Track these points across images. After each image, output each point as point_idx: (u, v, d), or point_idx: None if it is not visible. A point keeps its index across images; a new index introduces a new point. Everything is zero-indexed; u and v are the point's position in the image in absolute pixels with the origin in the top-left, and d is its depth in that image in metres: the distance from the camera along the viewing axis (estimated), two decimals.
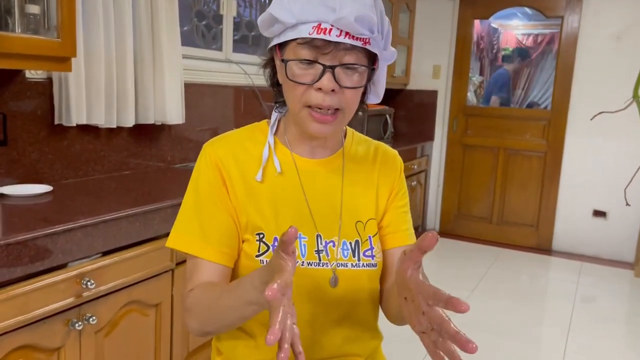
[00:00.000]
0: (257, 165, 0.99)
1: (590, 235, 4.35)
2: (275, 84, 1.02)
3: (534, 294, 3.62)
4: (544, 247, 4.53)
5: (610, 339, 2.93)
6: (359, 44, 0.87)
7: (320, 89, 0.88)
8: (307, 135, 0.99)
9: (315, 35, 0.86)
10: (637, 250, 4.03)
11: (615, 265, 4.19)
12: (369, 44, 0.89)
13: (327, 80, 0.87)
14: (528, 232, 4.59)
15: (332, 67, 0.87)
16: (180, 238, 0.97)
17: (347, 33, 0.86)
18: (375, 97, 1.05)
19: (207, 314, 0.90)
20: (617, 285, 3.81)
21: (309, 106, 0.91)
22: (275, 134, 1.03)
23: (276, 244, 0.95)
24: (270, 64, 1.02)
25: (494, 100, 5.26)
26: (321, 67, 0.87)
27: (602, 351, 2.78)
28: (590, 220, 4.33)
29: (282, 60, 0.92)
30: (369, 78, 0.96)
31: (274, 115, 1.05)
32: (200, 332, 0.94)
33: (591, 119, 1.39)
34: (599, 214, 4.30)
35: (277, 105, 1.05)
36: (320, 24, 0.86)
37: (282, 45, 0.93)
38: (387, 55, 0.97)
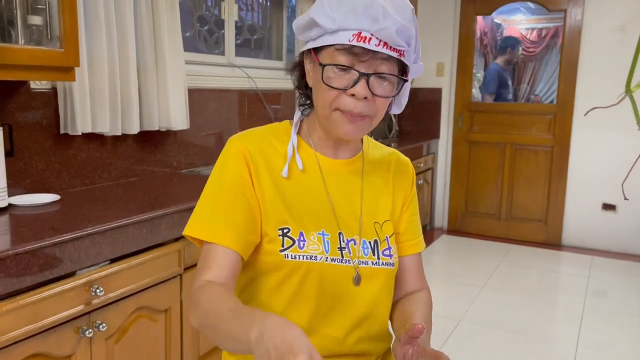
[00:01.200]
0: (283, 162, 1.01)
1: (600, 228, 4.32)
2: (302, 86, 1.05)
3: (544, 290, 3.60)
4: (553, 242, 4.50)
5: (622, 333, 2.90)
6: (395, 54, 0.91)
7: (353, 95, 0.91)
8: (333, 138, 1.02)
9: (355, 43, 0.89)
10: None
11: (626, 258, 4.16)
12: (404, 56, 0.93)
13: (361, 88, 0.90)
14: (537, 227, 4.56)
15: (368, 75, 0.90)
16: (202, 227, 0.95)
17: (385, 43, 0.89)
18: (397, 108, 1.09)
19: (207, 322, 0.86)
20: (629, 278, 3.78)
21: (339, 109, 0.93)
22: (299, 134, 1.05)
23: (302, 238, 0.95)
24: (298, 67, 1.04)
25: (488, 98, 5.20)
26: (357, 74, 0.90)
27: (615, 345, 2.76)
28: (600, 213, 4.31)
29: (320, 64, 0.93)
30: (399, 89, 0.98)
31: (297, 114, 1.07)
32: (199, 330, 0.95)
33: (585, 115, 1.38)
34: (608, 207, 4.27)
35: (302, 108, 1.07)
36: (360, 32, 0.89)
37: (317, 50, 0.95)
38: (416, 68, 1.00)
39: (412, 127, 4.88)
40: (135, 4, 2.23)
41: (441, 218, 4.95)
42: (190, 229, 0.96)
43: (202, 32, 2.99)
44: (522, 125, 4.55)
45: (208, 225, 0.95)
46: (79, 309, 1.49)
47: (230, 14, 3.07)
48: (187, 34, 2.87)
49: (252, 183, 0.98)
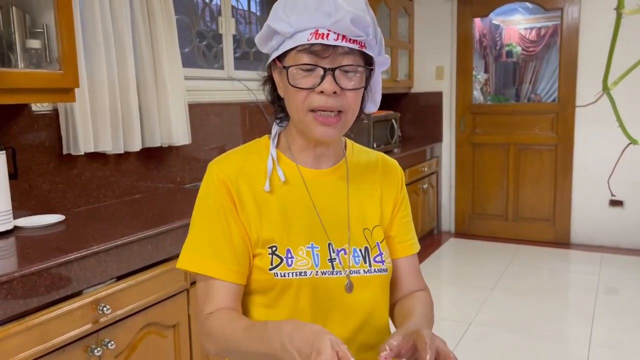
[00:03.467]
0: (265, 178, 1.00)
1: (609, 225, 4.29)
2: (276, 99, 1.05)
3: (555, 289, 3.58)
4: (562, 241, 4.47)
5: (635, 329, 2.88)
6: (355, 47, 0.91)
7: (322, 92, 0.91)
8: (311, 143, 1.01)
9: (313, 41, 0.89)
10: None
11: (635, 254, 4.13)
12: (365, 48, 0.93)
13: (328, 83, 0.90)
14: (545, 226, 4.54)
15: (332, 70, 0.90)
16: (191, 259, 0.97)
17: (344, 37, 0.90)
18: (372, 105, 1.07)
19: (227, 346, 0.91)
20: (639, 274, 3.75)
21: (313, 111, 0.93)
22: (278, 147, 1.05)
23: (290, 255, 0.96)
24: (270, 81, 1.04)
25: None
26: (322, 71, 0.90)
27: (629, 342, 2.73)
28: (608, 210, 4.28)
29: (284, 67, 0.94)
30: (367, 81, 0.98)
31: (275, 128, 1.07)
32: (218, 356, 0.95)
33: (574, 109, 1.38)
34: (615, 203, 4.24)
35: (278, 121, 1.07)
36: (317, 30, 0.89)
37: (281, 57, 0.95)
38: (381, 60, 1.00)
39: (414, 131, 4.88)
40: (133, 23, 2.25)
41: (448, 221, 4.93)
42: (184, 263, 0.98)
43: (200, 48, 3.01)
44: (524, 125, 4.54)
45: (201, 257, 0.96)
46: (87, 327, 1.50)
47: (227, 28, 3.10)
48: (186, 49, 2.89)
49: (236, 208, 0.97)
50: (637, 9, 0.42)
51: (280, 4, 0.95)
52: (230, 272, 0.95)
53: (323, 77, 0.90)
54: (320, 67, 0.90)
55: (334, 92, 0.91)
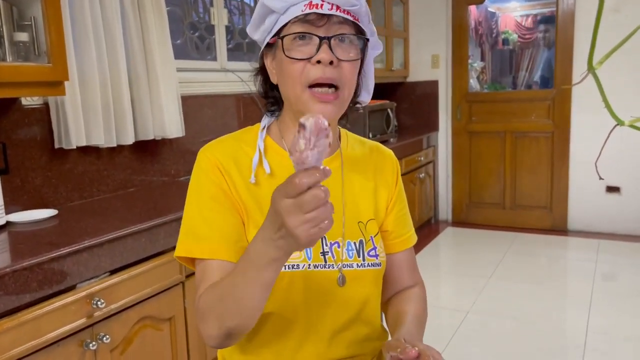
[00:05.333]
0: (257, 167, 0.99)
1: (606, 212, 4.29)
2: (268, 89, 1.03)
3: (552, 276, 3.58)
4: (559, 228, 4.48)
5: (633, 316, 2.88)
6: (350, 17, 0.91)
7: (318, 62, 0.89)
8: None
9: (307, 11, 0.89)
10: None
11: (633, 240, 4.13)
12: (358, 21, 0.94)
13: (324, 52, 0.89)
14: (542, 214, 4.54)
15: (328, 39, 0.90)
16: (188, 245, 0.93)
17: (337, 7, 0.90)
18: (366, 94, 1.06)
19: (222, 307, 0.82)
20: (637, 260, 3.75)
21: (310, 87, 0.91)
22: (270, 136, 1.03)
23: None
24: (261, 73, 1.02)
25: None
26: (317, 40, 0.89)
27: (625, 328, 2.74)
28: (604, 196, 4.28)
29: (279, 37, 0.92)
30: (362, 63, 0.98)
31: (265, 119, 1.05)
32: (221, 337, 0.84)
33: (570, 93, 1.36)
34: (612, 189, 4.24)
35: (270, 113, 1.05)
36: (311, 1, 0.89)
37: (275, 36, 0.94)
38: (374, 42, 1.00)
39: (410, 121, 4.86)
40: (123, 15, 2.23)
41: (445, 210, 4.93)
42: (181, 250, 0.94)
43: (193, 39, 2.99)
44: (521, 113, 4.53)
45: (196, 242, 0.92)
46: (81, 322, 1.49)
47: (220, 19, 3.07)
48: (178, 41, 2.87)
49: (231, 190, 0.95)
50: None
51: None
52: (227, 251, 0.91)
53: (319, 47, 0.89)
54: (315, 35, 0.89)
55: (331, 63, 0.89)
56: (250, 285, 0.77)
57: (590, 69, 0.41)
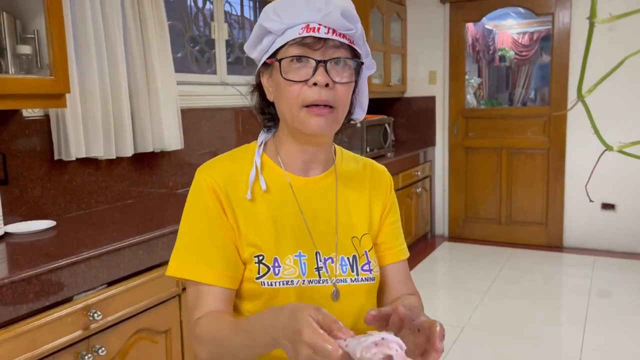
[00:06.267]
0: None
1: (601, 228, 4.31)
2: (265, 106, 1.05)
3: (548, 292, 3.59)
4: (555, 245, 4.49)
5: (627, 332, 2.89)
6: (345, 41, 0.94)
7: (315, 84, 0.92)
8: (302, 145, 1.01)
9: (305, 34, 0.91)
10: None
11: (628, 257, 4.15)
12: (354, 44, 0.96)
13: (320, 75, 0.91)
14: (538, 230, 4.56)
15: (325, 62, 0.92)
16: (179, 265, 0.97)
17: (334, 30, 0.92)
18: (360, 110, 1.08)
19: (218, 348, 0.90)
20: (632, 277, 3.77)
21: (307, 107, 0.93)
22: (266, 153, 1.05)
23: (277, 264, 0.96)
24: (256, 90, 1.05)
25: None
26: (314, 63, 0.92)
27: (620, 345, 2.75)
28: (600, 213, 4.30)
29: (277, 60, 0.94)
30: (356, 83, 1.00)
31: (261, 136, 1.07)
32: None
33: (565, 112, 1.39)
34: (607, 206, 4.26)
35: (266, 129, 1.07)
36: (308, 25, 0.92)
37: (272, 57, 0.96)
38: (368, 63, 1.02)
39: (407, 135, 4.89)
40: (125, 28, 2.26)
41: (442, 225, 4.94)
42: (172, 269, 0.98)
43: (193, 53, 3.02)
44: (517, 129, 4.57)
45: (188, 264, 0.96)
46: (78, 334, 1.49)
47: (220, 33, 3.10)
48: (179, 55, 2.90)
49: (225, 213, 0.98)
50: (609, 18, 0.42)
51: (270, 6, 0.96)
52: (219, 276, 0.95)
53: (315, 69, 0.91)
54: (312, 58, 0.92)
55: (326, 85, 0.92)
56: (245, 351, 0.85)
57: (580, 97, 0.42)
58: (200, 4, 3.07)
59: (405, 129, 4.89)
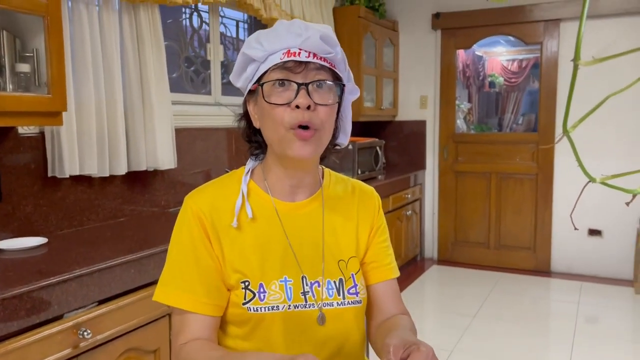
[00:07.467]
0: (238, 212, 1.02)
1: (588, 254, 4.36)
2: (251, 134, 1.07)
3: (535, 317, 3.61)
4: (542, 269, 4.53)
5: (614, 358, 2.91)
6: (326, 64, 0.97)
7: (297, 107, 0.94)
8: (289, 170, 1.02)
9: (285, 59, 0.95)
10: (635, 267, 4.03)
11: (614, 283, 4.19)
12: (335, 67, 0.99)
13: (302, 98, 0.94)
14: (526, 255, 4.59)
15: (306, 85, 0.95)
16: (165, 292, 0.99)
17: (314, 54, 0.95)
18: (344, 136, 1.10)
19: None
20: (618, 303, 3.80)
21: (291, 129, 0.95)
22: (253, 179, 1.07)
23: (262, 289, 0.98)
24: (243, 118, 1.08)
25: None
26: (295, 86, 0.94)
27: None
28: (586, 239, 4.35)
29: (259, 84, 0.97)
30: (339, 107, 1.02)
31: (249, 163, 1.09)
32: None
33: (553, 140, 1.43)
34: (594, 232, 4.32)
35: (254, 157, 1.10)
36: (289, 50, 0.95)
37: (256, 83, 0.99)
38: (351, 88, 1.06)
39: (398, 159, 4.94)
40: (122, 48, 2.29)
41: (431, 248, 4.96)
42: (157, 295, 1.00)
43: (188, 73, 3.05)
44: (506, 155, 4.63)
45: (172, 291, 0.99)
46: (67, 352, 1.49)
47: (216, 54, 3.15)
48: (174, 75, 2.93)
49: (210, 242, 1.00)
50: (592, 61, 0.45)
51: (253, 35, 1.00)
52: (203, 305, 0.97)
53: (297, 92, 0.94)
54: (293, 82, 0.94)
55: (308, 107, 0.94)
56: None
57: (565, 132, 0.45)
58: (196, 25, 3.11)
59: (396, 152, 4.94)
